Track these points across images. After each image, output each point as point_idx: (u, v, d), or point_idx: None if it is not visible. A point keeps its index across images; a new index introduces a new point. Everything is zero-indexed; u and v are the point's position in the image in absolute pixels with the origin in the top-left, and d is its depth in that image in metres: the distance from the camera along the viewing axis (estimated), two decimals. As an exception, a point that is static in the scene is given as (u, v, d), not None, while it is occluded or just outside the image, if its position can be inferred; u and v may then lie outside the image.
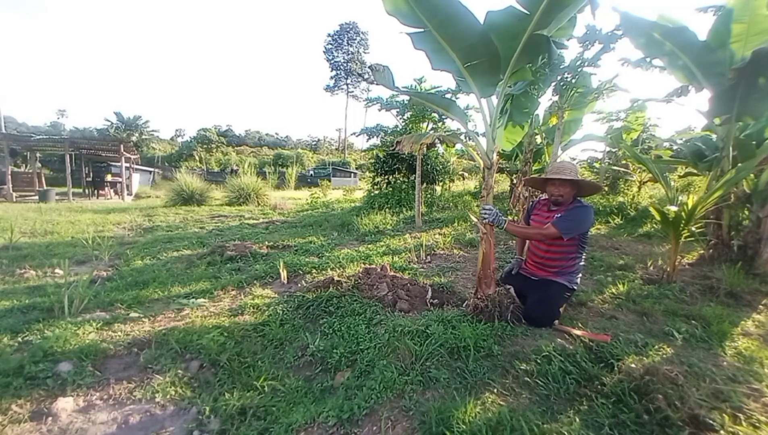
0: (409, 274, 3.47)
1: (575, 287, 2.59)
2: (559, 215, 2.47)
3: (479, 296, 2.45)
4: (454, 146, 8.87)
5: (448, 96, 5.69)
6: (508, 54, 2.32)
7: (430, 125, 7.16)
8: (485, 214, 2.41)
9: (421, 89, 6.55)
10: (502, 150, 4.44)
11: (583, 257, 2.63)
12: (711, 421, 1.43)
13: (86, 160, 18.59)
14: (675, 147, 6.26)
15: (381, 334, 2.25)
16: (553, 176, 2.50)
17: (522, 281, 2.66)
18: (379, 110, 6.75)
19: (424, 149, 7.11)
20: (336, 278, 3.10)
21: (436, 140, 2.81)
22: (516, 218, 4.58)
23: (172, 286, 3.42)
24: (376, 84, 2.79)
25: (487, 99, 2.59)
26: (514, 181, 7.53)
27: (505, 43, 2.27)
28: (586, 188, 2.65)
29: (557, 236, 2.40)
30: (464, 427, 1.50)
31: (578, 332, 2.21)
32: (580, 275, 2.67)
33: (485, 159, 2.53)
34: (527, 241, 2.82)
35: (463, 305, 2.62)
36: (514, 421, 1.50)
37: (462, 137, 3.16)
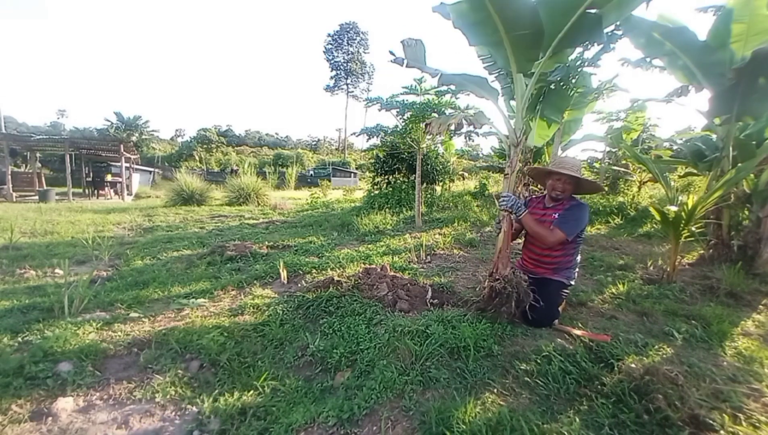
0: (409, 274, 3.46)
1: (572, 283, 2.60)
2: (558, 216, 2.47)
3: (496, 277, 2.35)
4: (454, 137, 8.75)
5: (456, 95, 5.75)
6: (553, 31, 2.20)
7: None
8: (504, 200, 2.41)
9: (420, 89, 6.54)
10: (534, 146, 4.44)
11: (579, 250, 2.63)
12: (711, 421, 1.43)
13: (86, 160, 18.58)
14: (675, 147, 6.27)
15: (381, 334, 2.25)
16: (559, 170, 2.50)
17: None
18: (379, 110, 6.72)
19: (425, 149, 7.13)
20: (336, 278, 3.10)
21: (463, 121, 2.83)
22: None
23: (172, 286, 3.42)
24: (407, 66, 2.78)
25: (520, 76, 2.51)
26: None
27: (555, 18, 2.15)
28: (586, 187, 2.66)
29: (564, 240, 2.40)
30: (464, 427, 1.50)
31: (578, 332, 2.21)
32: (577, 270, 2.67)
33: (512, 136, 2.49)
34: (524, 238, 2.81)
35: (476, 290, 2.57)
36: (514, 421, 1.51)
37: (487, 116, 3.17)
